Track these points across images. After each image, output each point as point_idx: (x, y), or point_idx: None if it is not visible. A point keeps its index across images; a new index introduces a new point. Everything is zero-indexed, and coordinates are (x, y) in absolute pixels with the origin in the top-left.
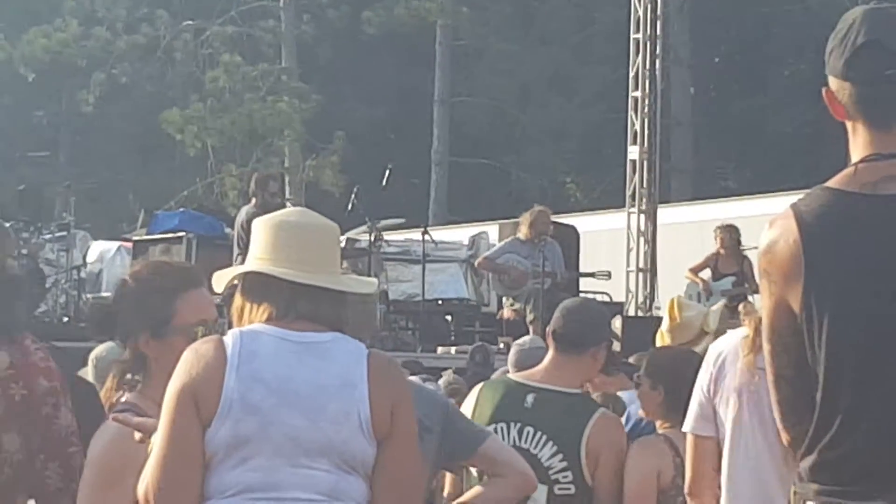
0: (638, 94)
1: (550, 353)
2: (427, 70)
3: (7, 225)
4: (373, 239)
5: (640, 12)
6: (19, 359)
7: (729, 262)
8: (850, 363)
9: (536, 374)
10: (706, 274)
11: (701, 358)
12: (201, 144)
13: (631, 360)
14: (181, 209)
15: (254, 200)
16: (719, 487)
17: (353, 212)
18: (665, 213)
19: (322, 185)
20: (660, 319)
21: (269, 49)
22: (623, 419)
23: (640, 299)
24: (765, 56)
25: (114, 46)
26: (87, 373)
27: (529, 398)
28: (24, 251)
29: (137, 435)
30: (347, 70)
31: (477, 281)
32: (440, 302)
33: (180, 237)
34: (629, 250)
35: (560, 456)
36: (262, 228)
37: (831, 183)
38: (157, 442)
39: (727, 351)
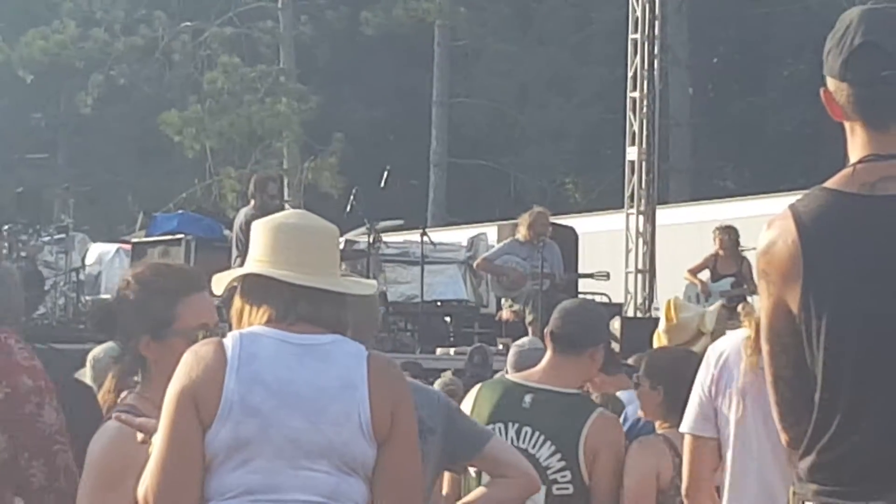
0: (636, 94)
1: (549, 354)
2: (425, 71)
3: (6, 227)
4: (371, 240)
5: (639, 12)
6: (2, 358)
7: (728, 263)
8: (849, 364)
9: (534, 375)
10: (705, 275)
11: (700, 358)
12: (200, 146)
13: (630, 360)
14: (180, 211)
15: (253, 202)
16: (716, 489)
17: (351, 213)
18: (664, 214)
19: (321, 187)
20: (658, 320)
21: (268, 50)
22: (620, 419)
23: (639, 300)
24: (763, 56)
25: (112, 48)
26: (86, 374)
27: (527, 398)
28: (23, 253)
29: (140, 436)
30: (346, 71)
31: (476, 282)
32: (439, 303)
33: (179, 239)
34: (628, 251)
35: (558, 456)
36: (261, 231)
37: (829, 183)
38: (156, 444)
39: (729, 351)
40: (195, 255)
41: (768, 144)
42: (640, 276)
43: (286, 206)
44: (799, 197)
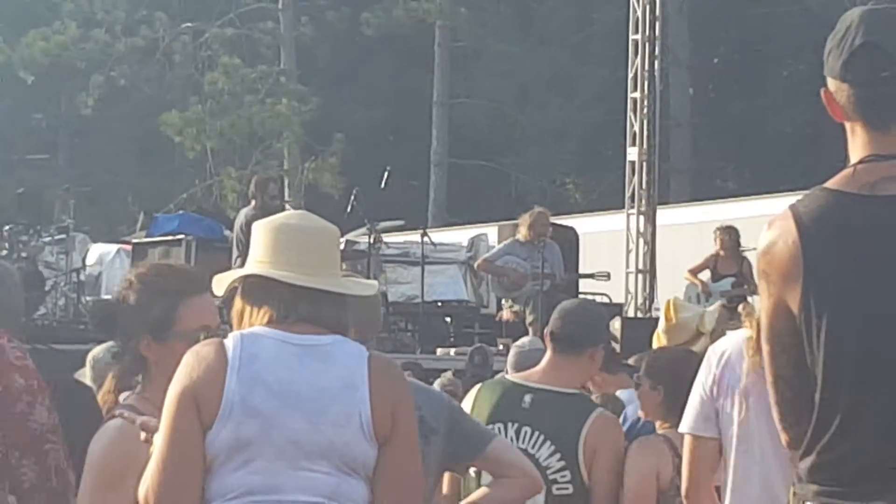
0: (637, 95)
1: (548, 354)
2: (426, 71)
3: (6, 228)
4: (372, 241)
5: (639, 13)
6: None
7: (728, 263)
8: (849, 364)
9: (534, 375)
10: (705, 275)
11: (700, 358)
12: (200, 147)
13: (630, 360)
14: (180, 212)
15: (253, 203)
16: (716, 490)
17: (352, 214)
18: (664, 215)
19: (321, 187)
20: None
21: (268, 51)
22: (620, 419)
23: (640, 300)
24: (764, 57)
25: (113, 49)
26: (85, 374)
27: (527, 398)
28: (24, 254)
29: (143, 434)
30: (346, 72)
31: (476, 282)
32: (439, 304)
33: (179, 240)
34: (628, 251)
35: (558, 456)
36: (262, 231)
37: (830, 184)
38: (157, 445)
39: (731, 351)
40: (196, 256)
41: (769, 145)
42: (640, 276)
43: (287, 206)
44: (799, 197)
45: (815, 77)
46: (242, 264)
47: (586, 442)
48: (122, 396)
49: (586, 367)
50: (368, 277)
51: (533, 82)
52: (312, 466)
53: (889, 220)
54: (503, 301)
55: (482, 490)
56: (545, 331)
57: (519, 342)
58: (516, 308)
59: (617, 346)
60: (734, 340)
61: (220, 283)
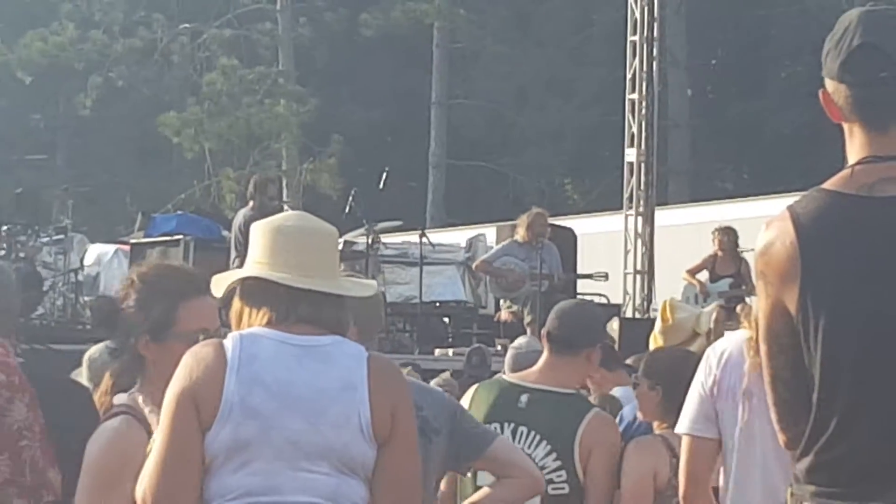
0: (635, 96)
1: (545, 354)
2: (424, 72)
3: (5, 228)
4: (370, 241)
5: (637, 14)
6: None
7: (726, 264)
8: (847, 365)
9: (531, 375)
10: (704, 276)
11: (699, 359)
12: (198, 147)
13: (629, 361)
14: (178, 212)
15: (251, 203)
16: (713, 491)
17: (350, 214)
18: (662, 215)
19: (319, 188)
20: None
21: (266, 52)
22: (616, 420)
23: (638, 301)
24: (762, 58)
25: (111, 50)
26: (82, 374)
27: (523, 398)
28: (22, 254)
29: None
30: (344, 73)
31: (474, 283)
32: (438, 304)
33: (178, 240)
34: (626, 252)
35: (554, 455)
36: (260, 232)
37: (828, 185)
38: (156, 445)
39: (731, 352)
40: (194, 256)
41: (767, 146)
42: (638, 277)
43: (285, 207)
44: (797, 198)
45: (814, 78)
46: (241, 265)
47: (582, 442)
48: (116, 398)
49: (583, 368)
50: (367, 278)
51: (531, 83)
52: (312, 467)
53: (886, 220)
54: (501, 302)
55: (484, 490)
56: (542, 331)
57: (516, 343)
58: (514, 309)
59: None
60: (734, 341)
61: (219, 284)
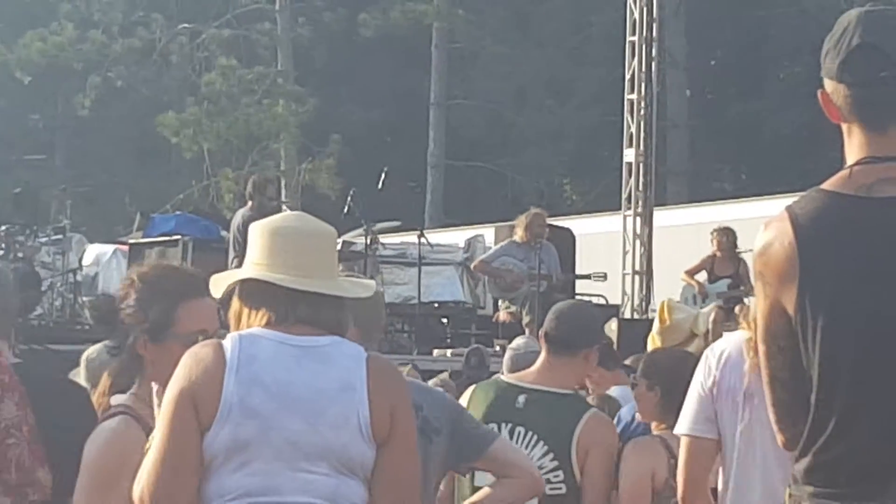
0: (634, 96)
1: (543, 355)
2: (423, 73)
3: (3, 228)
4: (369, 242)
5: (636, 15)
6: None
7: (725, 265)
8: (845, 365)
9: (528, 376)
10: (702, 276)
11: (697, 359)
12: (197, 147)
13: (627, 362)
14: (177, 212)
15: (250, 203)
16: (712, 491)
17: (349, 215)
18: (661, 216)
19: (318, 188)
20: None
21: (265, 52)
22: (614, 421)
23: (636, 302)
24: (761, 59)
25: (110, 50)
26: (79, 374)
27: (521, 399)
28: (20, 254)
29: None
30: (343, 73)
31: (473, 284)
32: (436, 305)
33: (176, 240)
34: (625, 253)
35: (551, 456)
36: (259, 233)
37: (826, 185)
38: (154, 445)
39: (731, 352)
40: (192, 256)
41: (765, 146)
42: (637, 277)
43: (284, 207)
44: (796, 199)
45: (813, 79)
46: (239, 265)
47: (579, 442)
48: (113, 399)
49: (581, 368)
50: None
51: (530, 84)
52: (311, 468)
53: (885, 221)
54: (500, 302)
55: (485, 490)
56: (540, 332)
57: (514, 344)
58: (513, 309)
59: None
60: (733, 342)
61: (218, 284)
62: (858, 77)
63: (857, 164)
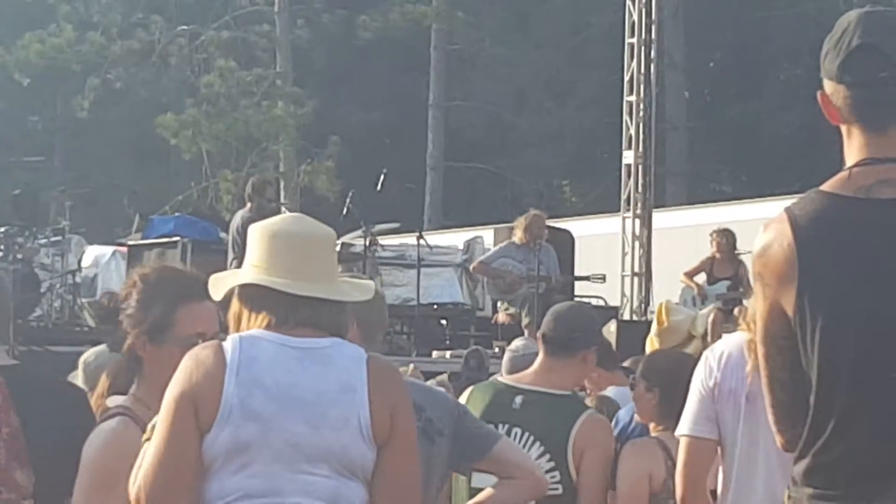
0: (633, 98)
1: (541, 356)
2: (422, 74)
3: (2, 229)
4: (368, 243)
5: (635, 17)
6: None
7: (724, 267)
8: (844, 367)
9: (526, 377)
10: (701, 278)
11: (696, 361)
12: (196, 149)
13: (626, 363)
14: (176, 214)
15: (249, 205)
16: (711, 493)
17: (348, 216)
18: (660, 218)
19: (317, 190)
20: None
21: (264, 54)
22: (612, 422)
23: (635, 303)
24: (760, 60)
25: (108, 51)
26: (77, 377)
27: (518, 400)
28: (19, 256)
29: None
30: (342, 75)
31: (472, 285)
32: (435, 306)
33: (175, 242)
34: (624, 254)
35: (547, 456)
36: (258, 235)
37: (826, 187)
38: (152, 445)
39: (732, 354)
40: (191, 258)
41: (765, 148)
42: (636, 279)
43: (283, 209)
44: (795, 200)
45: (812, 81)
46: (238, 266)
47: (575, 443)
48: (110, 400)
49: (579, 370)
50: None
51: (529, 85)
52: (312, 470)
53: (884, 222)
54: (499, 304)
55: (488, 491)
56: (538, 333)
57: (512, 346)
58: (512, 311)
59: None
60: (733, 342)
61: (217, 285)
62: (858, 78)
63: (856, 165)
